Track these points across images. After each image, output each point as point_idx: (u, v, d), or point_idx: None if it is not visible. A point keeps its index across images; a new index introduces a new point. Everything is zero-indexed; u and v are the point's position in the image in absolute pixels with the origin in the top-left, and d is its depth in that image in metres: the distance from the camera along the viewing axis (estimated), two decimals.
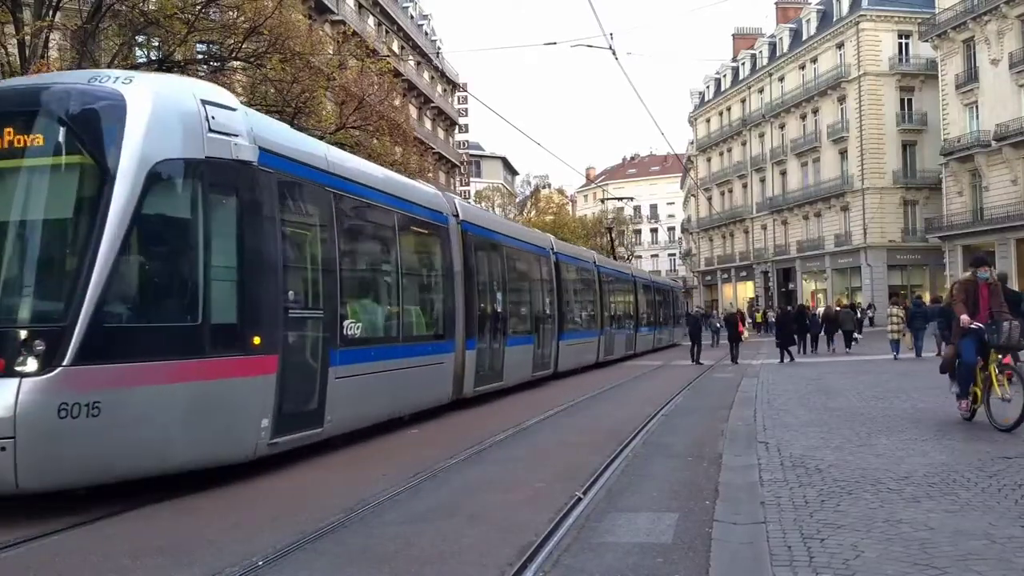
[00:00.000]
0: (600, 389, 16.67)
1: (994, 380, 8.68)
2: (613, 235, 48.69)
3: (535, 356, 17.10)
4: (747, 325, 39.20)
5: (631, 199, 45.77)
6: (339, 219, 9.28)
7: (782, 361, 22.11)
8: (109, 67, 15.24)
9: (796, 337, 25.19)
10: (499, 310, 14.93)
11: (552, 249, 19.77)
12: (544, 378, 18.04)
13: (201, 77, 18.88)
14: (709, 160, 72.53)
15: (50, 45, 16.71)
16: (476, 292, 13.61)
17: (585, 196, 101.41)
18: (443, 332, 12.39)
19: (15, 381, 5.95)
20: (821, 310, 33.92)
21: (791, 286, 58.68)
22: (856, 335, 35.06)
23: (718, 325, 36.04)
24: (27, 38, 15.10)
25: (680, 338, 36.54)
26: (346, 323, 9.17)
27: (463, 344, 12.88)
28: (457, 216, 13.36)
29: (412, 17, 57.72)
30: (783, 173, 59.48)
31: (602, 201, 45.29)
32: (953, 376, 9.50)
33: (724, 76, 69.82)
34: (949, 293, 11.69)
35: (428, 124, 56.54)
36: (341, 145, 17.67)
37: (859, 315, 37.08)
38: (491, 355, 14.33)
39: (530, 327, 17.09)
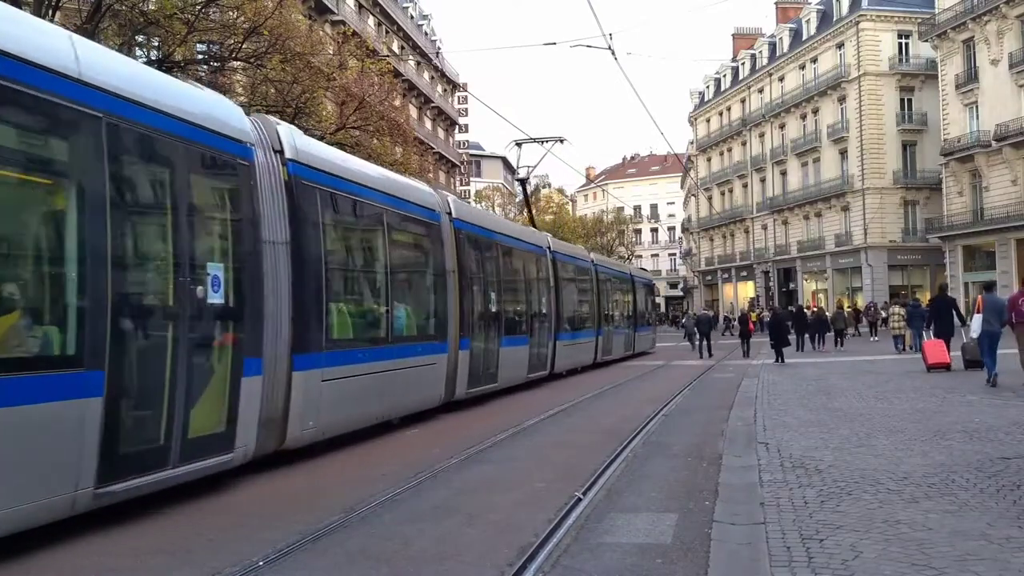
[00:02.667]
0: (600, 389, 16.67)
1: None
2: (528, 188, 29.24)
3: (266, 406, 7.90)
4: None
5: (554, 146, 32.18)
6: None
7: (782, 361, 22.12)
8: None
9: (794, 337, 25.66)
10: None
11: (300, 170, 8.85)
12: (272, 454, 8.35)
13: (201, 77, 18.90)
14: (709, 160, 72.54)
15: None
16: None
17: (585, 196, 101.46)
18: None
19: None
20: (810, 312, 33.99)
21: (792, 286, 58.68)
22: (867, 334, 36.10)
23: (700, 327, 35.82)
24: None
25: (650, 346, 33.98)
26: None
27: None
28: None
29: (412, 17, 57.73)
30: (783, 173, 59.47)
31: (528, 166, 30.41)
32: None
33: (724, 76, 69.84)
34: None
35: (428, 124, 56.55)
36: (341, 145, 17.73)
37: (881, 315, 37.36)
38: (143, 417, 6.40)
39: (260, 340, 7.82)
